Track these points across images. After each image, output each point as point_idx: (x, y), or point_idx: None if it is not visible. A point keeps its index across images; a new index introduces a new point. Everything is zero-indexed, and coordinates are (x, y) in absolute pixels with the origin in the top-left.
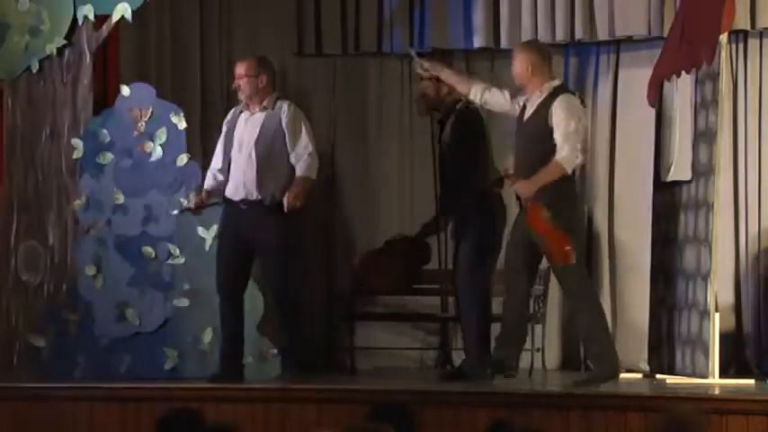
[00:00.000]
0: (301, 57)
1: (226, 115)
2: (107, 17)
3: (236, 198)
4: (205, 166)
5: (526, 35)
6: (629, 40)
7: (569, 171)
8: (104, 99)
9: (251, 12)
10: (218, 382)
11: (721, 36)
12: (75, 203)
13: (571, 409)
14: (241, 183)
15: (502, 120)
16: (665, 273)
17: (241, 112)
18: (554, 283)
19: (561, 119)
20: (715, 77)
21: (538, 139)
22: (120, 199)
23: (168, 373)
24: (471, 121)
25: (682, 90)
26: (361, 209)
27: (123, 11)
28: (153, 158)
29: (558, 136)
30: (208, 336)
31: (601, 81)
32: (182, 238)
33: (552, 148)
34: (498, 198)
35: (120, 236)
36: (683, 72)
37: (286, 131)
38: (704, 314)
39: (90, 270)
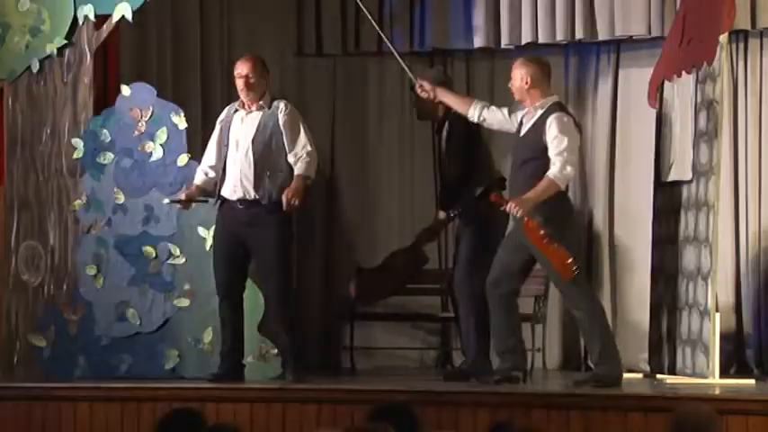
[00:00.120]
0: (301, 56)
1: None
2: (107, 17)
3: (234, 197)
4: None
5: (526, 35)
6: (630, 39)
7: (563, 187)
8: (105, 99)
9: (251, 12)
10: (219, 382)
11: (722, 36)
12: (75, 203)
13: (571, 409)
14: (238, 182)
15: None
16: (666, 273)
17: (236, 110)
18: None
19: (554, 135)
20: (715, 77)
21: (533, 155)
22: (121, 199)
23: (168, 373)
24: (467, 125)
25: (682, 90)
26: (361, 208)
27: (123, 11)
28: (153, 158)
29: (551, 152)
30: (208, 336)
31: (601, 81)
32: (182, 238)
33: (547, 164)
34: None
35: (120, 236)
36: (684, 72)
37: (284, 131)
38: (704, 314)
39: (90, 270)
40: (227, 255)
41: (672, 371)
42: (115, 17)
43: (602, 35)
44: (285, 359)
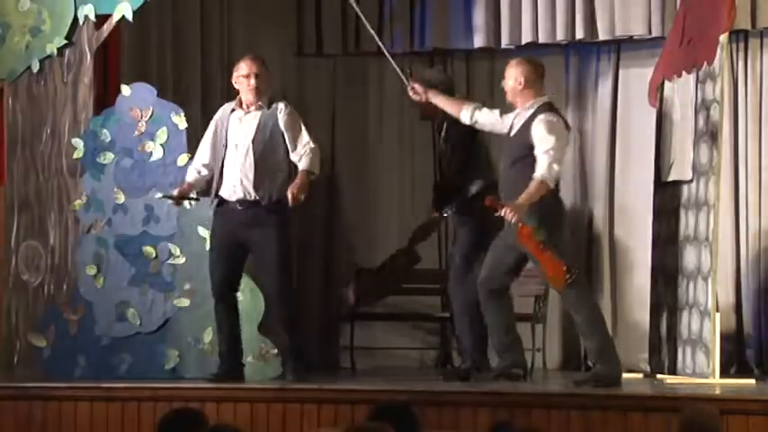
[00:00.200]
0: (301, 56)
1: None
2: (107, 17)
3: (233, 198)
4: None
5: (527, 35)
6: (630, 39)
7: (552, 185)
8: (105, 99)
9: (251, 11)
10: (219, 381)
11: (722, 36)
12: (75, 203)
13: (571, 409)
14: (238, 182)
15: None
16: (666, 272)
17: (233, 110)
18: None
19: (541, 135)
20: (715, 77)
21: (523, 154)
22: (121, 199)
23: (169, 373)
24: (466, 126)
25: (682, 90)
26: (361, 208)
27: (124, 11)
28: (153, 158)
29: (537, 151)
30: (208, 336)
31: (601, 81)
32: (182, 238)
33: (533, 165)
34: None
35: (120, 236)
36: (684, 72)
37: (285, 131)
38: (705, 314)
39: (90, 270)
40: (225, 256)
41: (672, 371)
42: (115, 17)
43: (603, 35)
44: (285, 359)
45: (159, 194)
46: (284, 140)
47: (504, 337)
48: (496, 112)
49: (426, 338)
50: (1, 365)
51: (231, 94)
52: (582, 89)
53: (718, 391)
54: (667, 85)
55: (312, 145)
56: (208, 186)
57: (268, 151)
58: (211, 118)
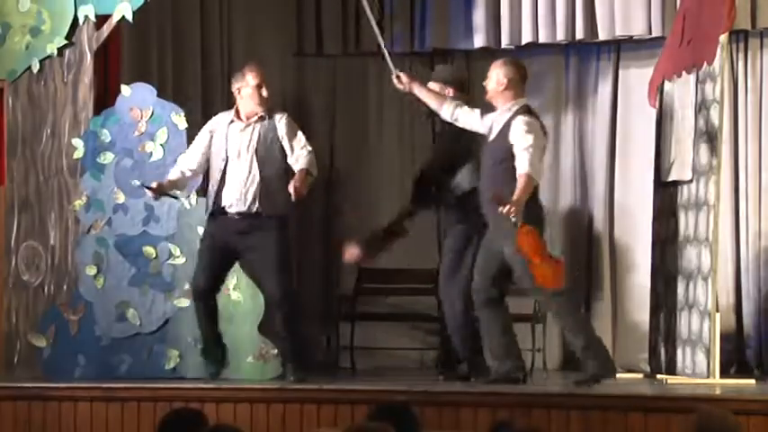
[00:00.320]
0: (301, 56)
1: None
2: (108, 17)
3: (233, 210)
4: None
5: (527, 35)
6: (630, 40)
7: (539, 179)
8: (105, 99)
9: (251, 12)
10: (218, 378)
11: (722, 36)
12: (75, 203)
13: (571, 409)
14: (241, 195)
15: None
16: (666, 273)
17: (232, 121)
18: None
19: (520, 134)
20: (715, 77)
21: (502, 157)
22: (121, 199)
23: (168, 373)
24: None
25: (682, 90)
26: (361, 208)
27: (124, 11)
28: (153, 158)
29: (518, 150)
30: None
31: (601, 81)
32: (182, 238)
33: (514, 168)
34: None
35: (120, 236)
36: (684, 72)
37: (284, 140)
38: (705, 314)
39: (91, 270)
40: (214, 262)
41: (672, 371)
42: (115, 17)
43: (603, 35)
44: (286, 360)
45: (137, 181)
46: (283, 151)
47: (502, 338)
48: (477, 111)
49: (426, 338)
50: (1, 365)
51: (231, 94)
52: (582, 89)
53: (718, 392)
54: (667, 85)
55: (309, 148)
56: (186, 188)
57: (271, 164)
58: (211, 118)
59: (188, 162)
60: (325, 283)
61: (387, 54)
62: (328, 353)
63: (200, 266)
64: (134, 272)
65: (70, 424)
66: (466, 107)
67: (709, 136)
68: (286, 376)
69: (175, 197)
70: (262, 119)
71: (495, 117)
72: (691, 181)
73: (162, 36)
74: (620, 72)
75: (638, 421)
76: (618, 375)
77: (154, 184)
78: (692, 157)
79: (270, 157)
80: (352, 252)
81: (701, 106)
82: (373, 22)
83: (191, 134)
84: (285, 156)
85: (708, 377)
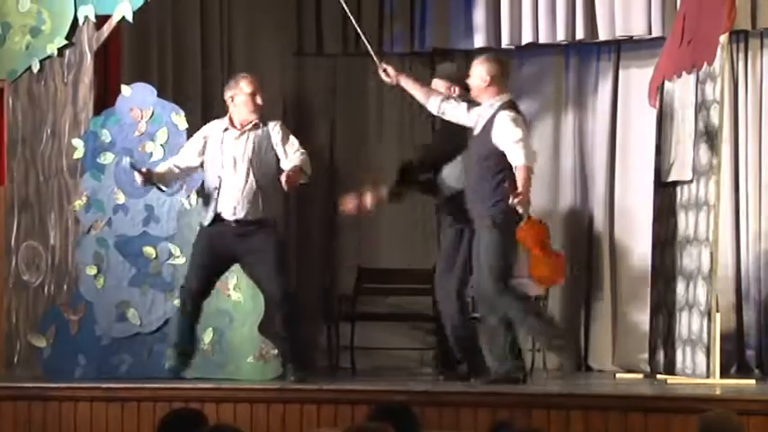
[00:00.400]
0: (301, 56)
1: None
2: (108, 17)
3: (231, 218)
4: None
5: (527, 35)
6: (630, 40)
7: (535, 169)
8: (105, 99)
9: (251, 11)
10: (175, 375)
11: (722, 36)
12: (75, 203)
13: (571, 409)
14: (239, 203)
15: None
16: (666, 273)
17: (226, 129)
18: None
19: (507, 129)
20: (715, 77)
21: (486, 154)
22: (121, 199)
23: (169, 373)
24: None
25: (682, 90)
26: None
27: (124, 11)
28: (154, 158)
29: (509, 145)
30: (208, 336)
31: (601, 81)
32: (182, 238)
33: (498, 165)
34: None
35: (120, 236)
36: (684, 72)
37: (278, 147)
38: (705, 314)
39: (91, 270)
40: (208, 267)
41: (672, 371)
42: (115, 17)
43: (603, 35)
44: (286, 360)
45: (127, 159)
46: (278, 158)
47: (501, 338)
48: (464, 105)
49: (426, 339)
50: (1, 365)
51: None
52: (582, 89)
53: (718, 392)
54: (667, 85)
55: (303, 150)
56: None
57: (266, 171)
58: (211, 118)
59: (180, 160)
60: (325, 282)
61: (369, 48)
62: (328, 353)
63: (195, 268)
64: (134, 272)
65: (70, 424)
66: (452, 101)
67: (709, 136)
68: (286, 376)
69: (162, 189)
70: (256, 127)
71: (480, 112)
72: (691, 181)
73: (162, 36)
74: (621, 72)
75: (638, 421)
76: (618, 375)
77: (144, 169)
78: (692, 157)
79: (265, 165)
80: (349, 203)
81: (702, 106)
82: (352, 18)
83: (191, 134)
84: (280, 163)
85: (708, 377)
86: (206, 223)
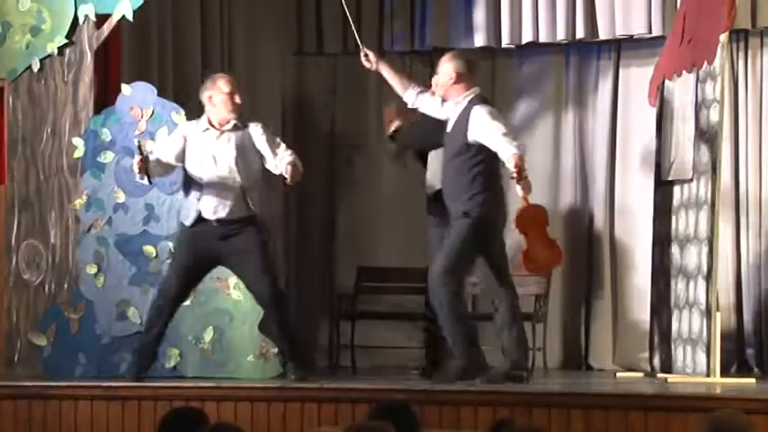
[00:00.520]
0: (301, 55)
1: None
2: (108, 16)
3: (213, 217)
4: None
5: (527, 34)
6: (630, 39)
7: (526, 159)
8: (105, 98)
9: (251, 11)
10: (135, 380)
11: (722, 35)
12: (76, 202)
13: (572, 408)
14: (221, 203)
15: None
16: (666, 272)
17: (206, 129)
18: (555, 282)
19: (487, 123)
20: (716, 77)
21: (459, 150)
22: (121, 198)
23: (169, 372)
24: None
25: (682, 89)
26: (361, 208)
27: (124, 10)
28: (154, 157)
29: (494, 138)
30: (209, 335)
31: (602, 80)
32: None
33: (473, 159)
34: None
35: (121, 235)
36: (684, 71)
37: (262, 146)
38: (705, 313)
39: (91, 269)
40: (190, 271)
41: (672, 370)
42: (116, 16)
43: (603, 34)
44: (286, 360)
45: (138, 141)
46: (260, 158)
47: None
48: (438, 99)
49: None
50: (1, 364)
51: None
52: (582, 88)
53: (718, 391)
54: (668, 84)
55: (290, 151)
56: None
57: (249, 170)
58: None
59: (164, 154)
60: (326, 281)
61: (355, 31)
62: (329, 352)
63: (176, 270)
64: (134, 271)
65: (71, 423)
66: (428, 94)
67: (709, 135)
68: (287, 375)
69: (151, 183)
70: (236, 127)
71: (451, 108)
72: (691, 180)
73: (162, 35)
74: (621, 71)
75: (638, 420)
76: (618, 374)
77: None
78: (692, 156)
79: (248, 165)
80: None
81: (702, 105)
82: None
83: None
84: (262, 163)
85: (708, 376)
86: (188, 223)
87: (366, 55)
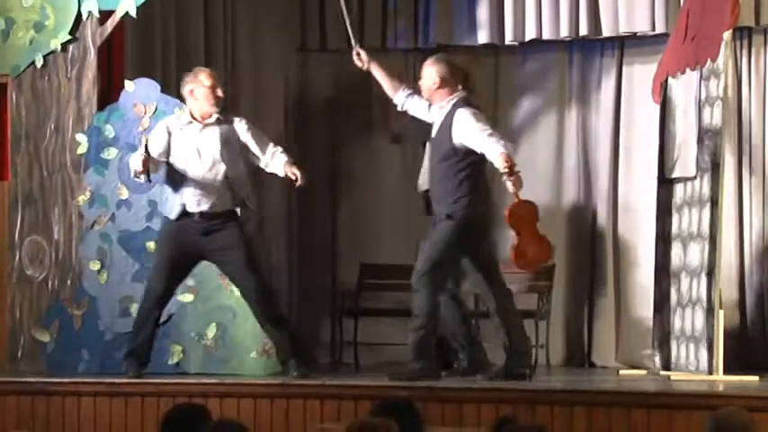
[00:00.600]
0: (305, 52)
1: (229, 111)
2: (111, 12)
3: (196, 210)
4: None
5: (530, 31)
6: (634, 36)
7: (515, 158)
8: (109, 94)
9: (255, 7)
10: (132, 377)
11: (725, 33)
12: (79, 198)
13: (574, 406)
14: (204, 196)
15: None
16: (669, 269)
17: (190, 123)
18: (558, 279)
19: (472, 125)
20: (719, 74)
21: (445, 155)
22: (125, 194)
23: (172, 368)
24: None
25: (686, 86)
26: (365, 204)
27: (127, 6)
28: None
29: (481, 139)
30: (212, 331)
31: (605, 77)
32: None
33: (459, 163)
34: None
35: (124, 231)
36: (688, 68)
37: (249, 140)
38: (708, 311)
39: (94, 265)
40: (175, 269)
41: (676, 367)
42: (119, 13)
43: (607, 32)
44: (287, 357)
45: (145, 138)
46: (244, 152)
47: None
48: (426, 103)
49: None
50: (5, 360)
51: (235, 89)
52: (585, 86)
53: (721, 388)
54: (671, 81)
55: (281, 148)
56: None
57: (233, 164)
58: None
59: (152, 150)
60: (328, 279)
61: (349, 28)
62: (332, 348)
63: (160, 272)
64: (137, 267)
65: (74, 419)
66: (416, 97)
67: (712, 133)
68: (288, 373)
69: (149, 180)
70: (219, 121)
71: (436, 112)
72: (694, 177)
73: (166, 31)
74: (624, 69)
75: (641, 417)
76: (621, 372)
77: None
78: (695, 153)
79: (231, 158)
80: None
81: (705, 103)
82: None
83: None
84: (246, 157)
85: (711, 374)
86: (173, 217)
87: (358, 54)
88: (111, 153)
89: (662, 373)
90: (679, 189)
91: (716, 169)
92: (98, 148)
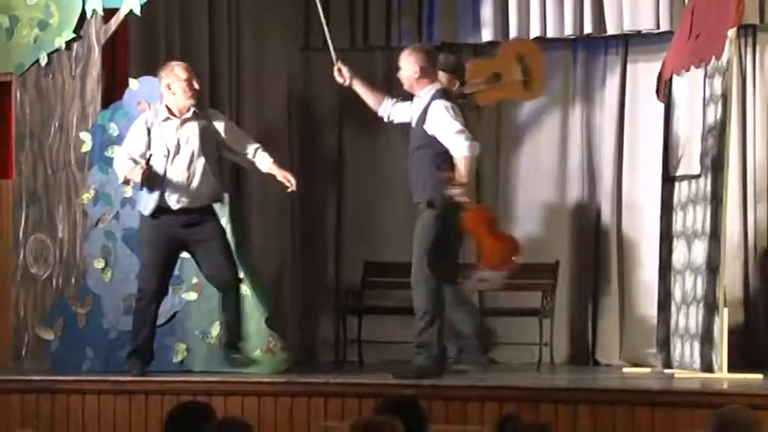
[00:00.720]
0: (309, 50)
1: (233, 109)
2: (115, 10)
3: (176, 206)
4: None
5: (535, 29)
6: (638, 34)
7: (474, 160)
8: (113, 92)
9: (259, 5)
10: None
11: (730, 31)
12: (83, 197)
13: (579, 404)
14: (183, 190)
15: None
16: (673, 267)
17: (167, 118)
18: (563, 277)
19: (443, 119)
20: (723, 72)
21: (423, 143)
22: (129, 192)
23: (176, 366)
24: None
25: (690, 84)
26: (369, 202)
27: (132, 4)
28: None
29: (447, 135)
30: (216, 329)
31: (609, 75)
32: None
33: (436, 151)
34: None
35: (128, 229)
36: (692, 66)
37: (226, 135)
38: (712, 309)
39: (98, 263)
40: (163, 262)
41: (679, 365)
42: (123, 11)
43: (611, 29)
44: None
45: (150, 154)
46: (219, 145)
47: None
48: (407, 103)
49: None
50: (9, 358)
51: (239, 87)
52: (590, 84)
53: (725, 386)
54: (676, 79)
55: (260, 144)
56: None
57: (211, 157)
58: (219, 112)
59: (132, 152)
60: (332, 277)
61: (331, 45)
62: (336, 347)
63: (151, 267)
64: (141, 265)
65: (78, 417)
66: (398, 104)
67: (716, 130)
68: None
69: (148, 186)
70: (197, 115)
71: (416, 103)
72: (699, 175)
73: (170, 29)
74: (628, 66)
75: (645, 415)
76: (625, 370)
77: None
78: (699, 151)
79: (209, 152)
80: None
81: (709, 101)
82: (321, 12)
83: None
84: (221, 150)
85: (715, 372)
86: (147, 213)
87: (339, 70)
88: (115, 151)
89: (666, 371)
90: (683, 187)
91: (720, 167)
92: (102, 147)
